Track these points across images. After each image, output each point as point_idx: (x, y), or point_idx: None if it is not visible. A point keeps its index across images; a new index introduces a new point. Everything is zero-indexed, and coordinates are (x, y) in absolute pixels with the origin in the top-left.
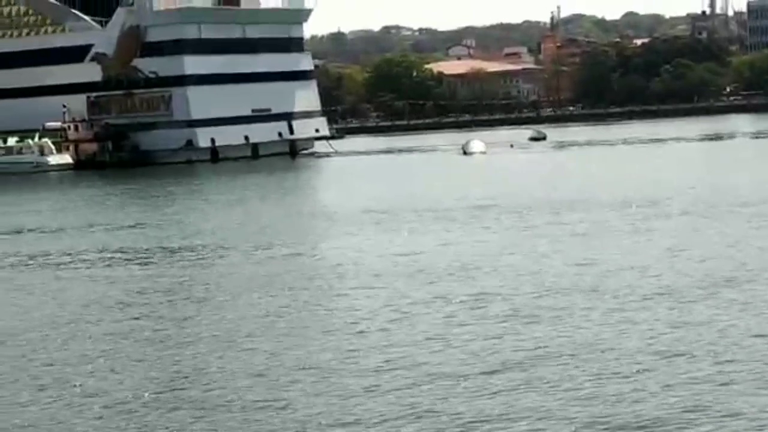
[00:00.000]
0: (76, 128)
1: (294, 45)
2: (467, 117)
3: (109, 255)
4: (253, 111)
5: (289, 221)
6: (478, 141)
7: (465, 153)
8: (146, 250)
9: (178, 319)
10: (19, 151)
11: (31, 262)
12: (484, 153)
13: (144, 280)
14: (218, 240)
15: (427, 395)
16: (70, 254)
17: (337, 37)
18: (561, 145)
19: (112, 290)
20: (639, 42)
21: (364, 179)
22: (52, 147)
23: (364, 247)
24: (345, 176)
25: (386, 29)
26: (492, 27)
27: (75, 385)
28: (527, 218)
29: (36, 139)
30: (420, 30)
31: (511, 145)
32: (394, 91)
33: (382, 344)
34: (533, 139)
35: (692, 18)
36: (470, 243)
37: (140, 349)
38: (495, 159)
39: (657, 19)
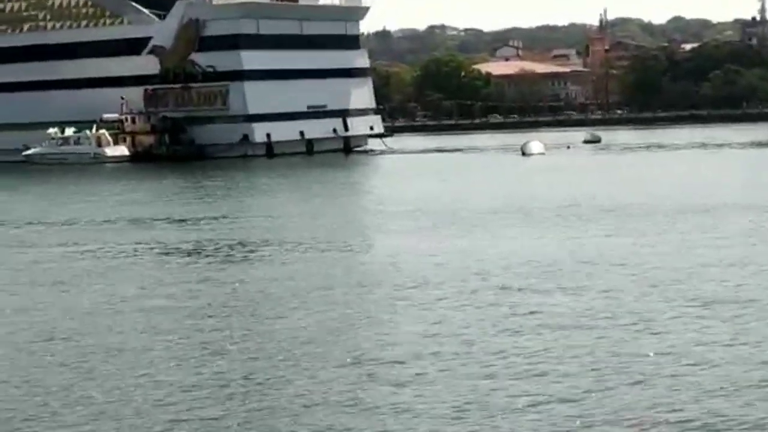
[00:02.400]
0: (134, 120)
1: (350, 42)
2: (515, 118)
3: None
4: (308, 107)
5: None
6: (536, 142)
7: (524, 154)
8: (215, 244)
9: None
10: (77, 142)
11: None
12: (543, 154)
13: (213, 277)
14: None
15: None
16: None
17: (383, 36)
18: (619, 148)
19: (179, 282)
20: (687, 47)
21: (436, 178)
22: (109, 138)
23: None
24: (414, 174)
25: (432, 29)
26: (537, 29)
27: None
28: (690, 222)
29: (93, 130)
30: (465, 30)
31: (568, 147)
32: (441, 90)
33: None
34: (588, 141)
35: (742, 24)
36: (683, 248)
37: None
38: (559, 161)
39: (704, 24)
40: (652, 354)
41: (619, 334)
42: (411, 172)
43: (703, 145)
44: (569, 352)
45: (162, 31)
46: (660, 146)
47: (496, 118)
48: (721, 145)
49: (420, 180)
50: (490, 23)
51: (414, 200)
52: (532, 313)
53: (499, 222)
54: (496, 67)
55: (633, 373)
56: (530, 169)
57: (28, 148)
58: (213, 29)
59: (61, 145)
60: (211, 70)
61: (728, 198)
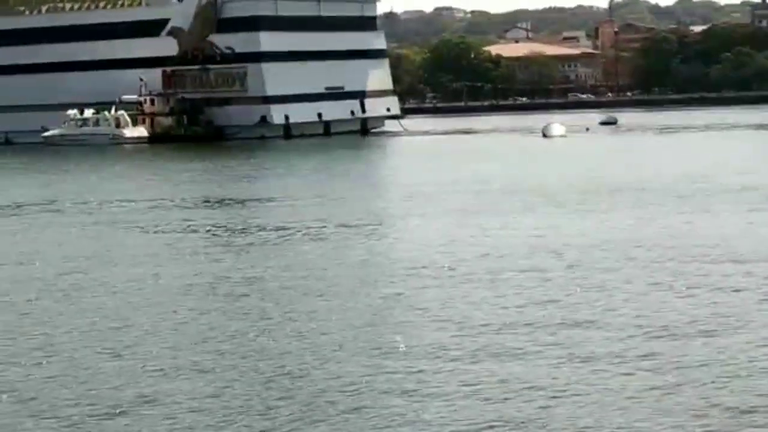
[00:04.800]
0: (152, 102)
1: (367, 23)
2: (525, 100)
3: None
4: (326, 89)
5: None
6: (557, 124)
7: (545, 136)
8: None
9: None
10: (96, 123)
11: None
12: (564, 136)
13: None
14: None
15: None
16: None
17: (390, 18)
18: (637, 130)
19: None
20: (694, 29)
21: (468, 160)
22: (128, 120)
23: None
24: (444, 156)
25: (438, 11)
26: (545, 11)
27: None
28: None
29: (112, 111)
30: (472, 12)
31: (587, 129)
32: (451, 72)
33: None
34: (604, 123)
35: (751, 6)
36: None
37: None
38: (583, 142)
39: (711, 6)
40: None
41: None
42: (439, 153)
43: (723, 127)
44: None
45: (180, 12)
46: (679, 128)
47: (506, 101)
48: (746, 127)
49: (454, 162)
50: (497, 5)
51: (469, 182)
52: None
53: (591, 202)
54: (506, 49)
55: None
56: (561, 151)
57: (47, 130)
58: (231, 11)
59: (80, 126)
60: (229, 51)
61: None
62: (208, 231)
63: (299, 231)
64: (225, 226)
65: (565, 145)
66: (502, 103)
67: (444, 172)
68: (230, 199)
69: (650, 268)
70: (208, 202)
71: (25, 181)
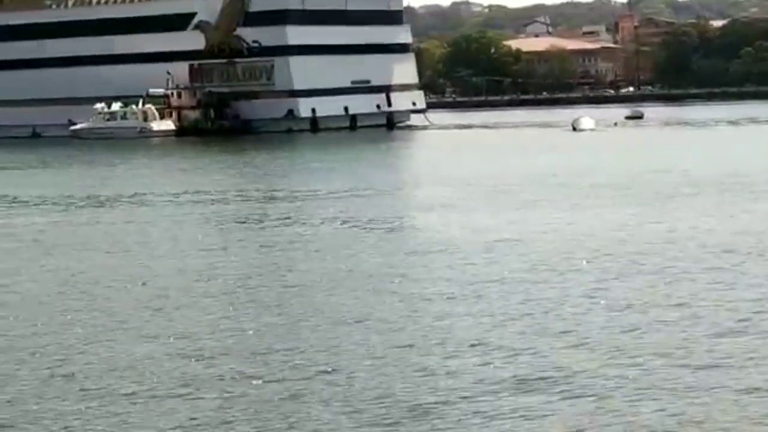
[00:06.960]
0: (179, 95)
1: (393, 17)
2: (545, 95)
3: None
4: (352, 82)
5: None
6: (587, 118)
7: (575, 129)
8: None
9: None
10: (123, 117)
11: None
12: (593, 130)
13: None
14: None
15: None
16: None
17: (408, 12)
18: (665, 124)
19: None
20: (714, 23)
21: (507, 154)
22: (155, 113)
23: None
24: (481, 150)
25: (456, 5)
26: (563, 5)
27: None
28: None
29: (140, 105)
30: (490, 7)
31: (615, 123)
32: (471, 67)
33: None
34: (630, 117)
35: None
36: None
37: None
38: (616, 136)
39: (728, 0)
40: None
41: None
42: (476, 147)
43: (751, 120)
44: None
45: (207, 6)
46: (706, 122)
47: (526, 95)
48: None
49: (499, 155)
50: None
51: (532, 174)
52: None
53: (687, 195)
54: (526, 44)
55: None
56: (599, 144)
57: (74, 123)
58: (258, 4)
59: (107, 120)
60: (256, 45)
61: None
62: (280, 223)
63: (393, 222)
64: (293, 219)
65: (599, 138)
66: (522, 97)
67: (495, 165)
68: (296, 191)
69: None
70: (263, 194)
71: (61, 175)
